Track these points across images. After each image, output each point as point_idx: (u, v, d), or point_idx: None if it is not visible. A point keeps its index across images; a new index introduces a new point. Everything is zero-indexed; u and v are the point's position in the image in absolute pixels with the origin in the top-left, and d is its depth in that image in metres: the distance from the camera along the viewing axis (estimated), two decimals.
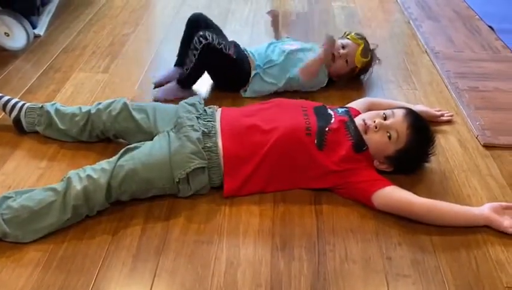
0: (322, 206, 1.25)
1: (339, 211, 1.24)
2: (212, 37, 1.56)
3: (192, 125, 1.27)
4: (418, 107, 1.56)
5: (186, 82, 1.66)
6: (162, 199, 1.25)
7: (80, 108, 1.42)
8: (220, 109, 1.40)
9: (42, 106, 1.43)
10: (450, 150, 1.49)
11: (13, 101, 1.46)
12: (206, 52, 1.55)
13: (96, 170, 1.17)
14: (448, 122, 1.62)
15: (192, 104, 1.37)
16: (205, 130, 1.28)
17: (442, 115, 1.63)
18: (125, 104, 1.38)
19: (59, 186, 1.15)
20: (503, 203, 1.23)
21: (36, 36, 2.06)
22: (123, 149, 1.23)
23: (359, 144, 1.27)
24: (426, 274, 1.08)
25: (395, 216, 1.22)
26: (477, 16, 2.47)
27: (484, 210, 1.21)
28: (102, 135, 1.41)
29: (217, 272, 1.07)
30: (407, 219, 1.21)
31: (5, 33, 1.90)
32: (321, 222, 1.21)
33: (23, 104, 1.45)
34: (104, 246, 1.12)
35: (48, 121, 1.41)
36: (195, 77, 1.66)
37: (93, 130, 1.39)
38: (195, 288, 1.03)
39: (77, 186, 1.13)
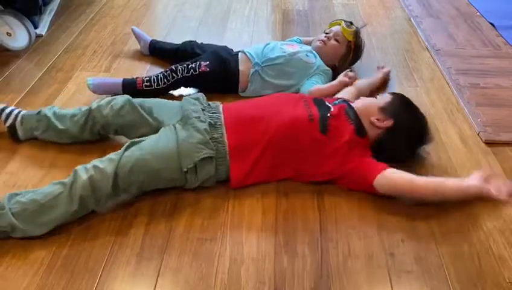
0: (325, 202, 1.26)
1: (341, 208, 1.24)
2: (180, 71, 1.64)
3: (199, 117, 1.29)
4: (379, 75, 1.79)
5: (134, 92, 1.63)
6: (165, 196, 1.26)
7: (80, 108, 1.42)
8: (223, 104, 1.41)
9: (40, 111, 1.41)
10: (451, 146, 1.50)
11: (8, 109, 1.44)
12: (174, 84, 1.65)
13: (102, 161, 1.19)
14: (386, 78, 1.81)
15: (196, 98, 1.40)
16: (211, 121, 1.29)
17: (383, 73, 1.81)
18: (128, 98, 1.38)
19: (67, 179, 1.16)
20: (490, 173, 1.29)
21: (38, 36, 2.07)
22: (129, 142, 1.24)
23: (360, 129, 1.31)
24: (429, 270, 1.09)
25: (396, 211, 1.23)
26: (478, 13, 2.47)
27: (473, 181, 1.25)
28: (104, 131, 1.39)
29: (220, 269, 1.07)
30: (409, 214, 1.22)
31: (7, 33, 1.91)
32: (324, 218, 1.21)
33: (19, 112, 1.43)
34: (108, 245, 1.12)
35: (46, 125, 1.39)
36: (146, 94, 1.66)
37: (94, 126, 1.38)
38: (199, 285, 1.04)
39: (83, 176, 1.14)
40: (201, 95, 1.43)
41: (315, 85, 1.67)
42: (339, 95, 1.57)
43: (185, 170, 1.20)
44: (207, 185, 1.27)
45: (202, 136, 1.24)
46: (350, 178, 1.27)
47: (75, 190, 1.13)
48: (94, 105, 1.39)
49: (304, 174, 1.30)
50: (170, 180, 1.23)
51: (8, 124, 1.42)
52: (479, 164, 1.42)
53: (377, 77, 1.79)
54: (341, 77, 1.66)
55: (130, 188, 1.20)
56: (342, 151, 1.27)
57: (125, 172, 1.17)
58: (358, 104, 1.40)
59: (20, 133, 1.42)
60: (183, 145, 1.22)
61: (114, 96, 1.41)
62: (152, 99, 1.45)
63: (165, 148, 1.22)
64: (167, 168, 1.21)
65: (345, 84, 1.65)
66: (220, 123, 1.30)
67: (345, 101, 1.42)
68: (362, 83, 1.68)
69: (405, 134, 1.34)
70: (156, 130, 1.31)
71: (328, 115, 1.31)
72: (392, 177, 1.24)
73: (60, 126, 1.39)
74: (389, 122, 1.33)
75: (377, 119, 1.33)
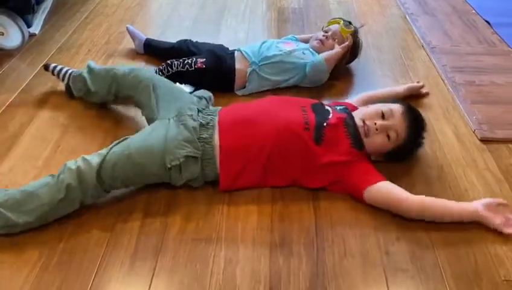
0: (320, 202, 1.25)
1: (337, 207, 1.24)
2: (176, 65, 1.66)
3: (191, 115, 1.28)
4: (404, 87, 1.69)
5: None
6: (159, 196, 1.25)
7: (114, 68, 1.54)
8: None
9: (81, 73, 1.56)
10: (447, 144, 1.49)
11: (64, 70, 1.65)
12: (169, 78, 1.63)
13: (91, 155, 1.19)
14: (427, 94, 1.73)
15: (200, 97, 1.40)
16: (203, 121, 1.28)
17: (422, 87, 1.73)
18: (151, 78, 1.45)
19: (57, 172, 1.17)
20: (497, 200, 1.22)
21: (31, 35, 2.05)
22: (121, 138, 1.24)
23: (358, 142, 1.28)
24: (424, 268, 1.09)
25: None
26: (473, 10, 2.47)
27: (476, 206, 1.19)
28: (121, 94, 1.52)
29: (215, 269, 1.07)
30: None
31: (0, 32, 1.89)
32: (319, 218, 1.21)
33: (72, 72, 1.62)
34: (102, 246, 1.12)
35: (85, 88, 1.54)
36: None
37: (118, 92, 1.51)
38: (194, 286, 1.03)
39: (72, 166, 1.15)
40: (208, 96, 1.43)
41: (320, 55, 1.71)
42: (349, 101, 1.53)
43: (169, 166, 1.19)
44: (194, 185, 1.25)
45: (189, 134, 1.22)
46: (340, 186, 1.26)
47: (63, 178, 1.13)
48: (120, 72, 1.49)
49: (294, 181, 1.28)
50: (155, 175, 1.22)
51: (64, 83, 1.63)
52: (474, 162, 1.42)
53: (399, 90, 1.68)
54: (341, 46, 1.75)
55: (114, 182, 1.19)
56: (335, 166, 1.24)
57: (109, 166, 1.17)
58: (370, 144, 1.30)
59: (74, 92, 1.60)
60: (170, 143, 1.21)
61: (140, 68, 1.56)
62: (169, 88, 1.45)
63: (152, 144, 1.21)
64: (151, 164, 1.20)
65: (348, 47, 1.75)
66: (212, 124, 1.28)
67: (347, 109, 1.38)
68: (379, 93, 1.61)
69: (404, 151, 1.34)
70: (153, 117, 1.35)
71: (325, 124, 1.28)
72: (381, 191, 1.21)
73: (92, 88, 1.53)
74: (382, 160, 1.33)
75: (375, 156, 1.33)
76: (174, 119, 1.28)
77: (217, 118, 1.31)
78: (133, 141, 1.22)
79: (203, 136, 1.25)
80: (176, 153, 1.19)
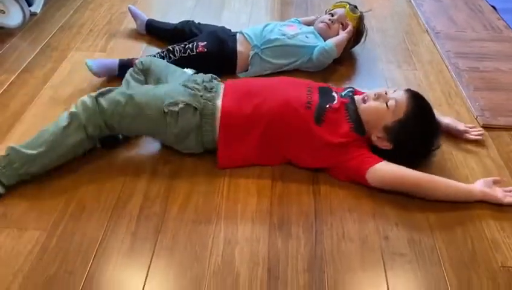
0: (320, 186, 1.26)
1: (336, 191, 1.24)
2: (177, 51, 1.64)
3: (195, 80, 1.32)
4: (446, 120, 1.45)
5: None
6: (160, 177, 1.25)
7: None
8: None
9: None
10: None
11: None
12: (172, 64, 1.61)
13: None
14: (476, 141, 1.43)
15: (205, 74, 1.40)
16: (207, 86, 1.31)
17: (467, 132, 1.44)
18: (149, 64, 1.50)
19: None
20: (493, 178, 1.26)
21: (32, 14, 2.04)
22: None
23: (359, 127, 1.27)
24: (422, 253, 1.09)
25: (392, 196, 1.22)
26: None
27: (478, 185, 1.24)
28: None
29: (214, 251, 1.07)
30: (404, 199, 1.22)
31: (1, 10, 1.87)
32: (319, 201, 1.21)
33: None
34: (102, 225, 1.12)
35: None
36: None
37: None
38: (194, 267, 1.04)
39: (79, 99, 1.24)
40: (214, 76, 1.41)
41: (329, 40, 1.70)
42: None
43: (165, 110, 1.22)
44: (194, 150, 1.29)
45: (191, 90, 1.27)
46: (341, 170, 1.26)
47: (68, 109, 1.23)
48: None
49: (294, 158, 1.29)
50: (151, 120, 1.24)
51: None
52: (476, 148, 1.42)
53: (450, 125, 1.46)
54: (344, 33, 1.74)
55: (113, 118, 1.22)
56: (333, 148, 1.24)
57: (110, 98, 1.22)
58: (367, 109, 1.28)
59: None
60: (172, 90, 1.28)
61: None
62: (168, 71, 1.49)
63: (155, 90, 1.29)
64: (151, 105, 1.23)
65: (353, 31, 1.76)
66: (215, 90, 1.30)
67: (350, 92, 1.36)
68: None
69: (405, 154, 1.25)
70: None
71: (327, 106, 1.27)
72: (384, 171, 1.21)
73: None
74: (387, 146, 1.26)
75: (378, 137, 1.26)
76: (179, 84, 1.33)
77: (222, 86, 1.33)
78: (138, 88, 1.36)
79: (207, 95, 1.28)
80: (176, 98, 1.24)
